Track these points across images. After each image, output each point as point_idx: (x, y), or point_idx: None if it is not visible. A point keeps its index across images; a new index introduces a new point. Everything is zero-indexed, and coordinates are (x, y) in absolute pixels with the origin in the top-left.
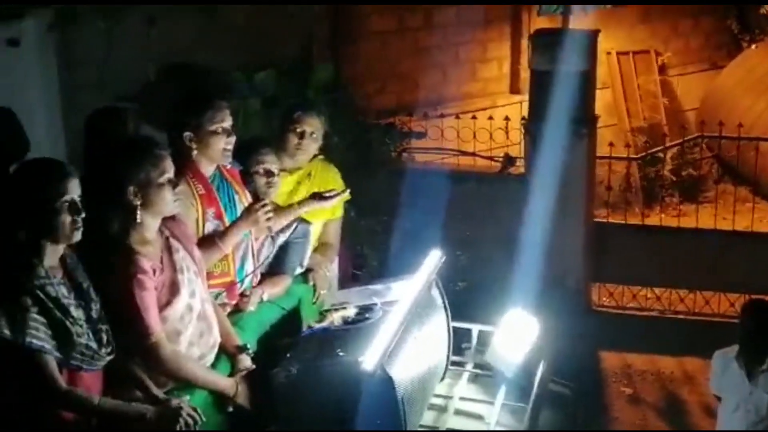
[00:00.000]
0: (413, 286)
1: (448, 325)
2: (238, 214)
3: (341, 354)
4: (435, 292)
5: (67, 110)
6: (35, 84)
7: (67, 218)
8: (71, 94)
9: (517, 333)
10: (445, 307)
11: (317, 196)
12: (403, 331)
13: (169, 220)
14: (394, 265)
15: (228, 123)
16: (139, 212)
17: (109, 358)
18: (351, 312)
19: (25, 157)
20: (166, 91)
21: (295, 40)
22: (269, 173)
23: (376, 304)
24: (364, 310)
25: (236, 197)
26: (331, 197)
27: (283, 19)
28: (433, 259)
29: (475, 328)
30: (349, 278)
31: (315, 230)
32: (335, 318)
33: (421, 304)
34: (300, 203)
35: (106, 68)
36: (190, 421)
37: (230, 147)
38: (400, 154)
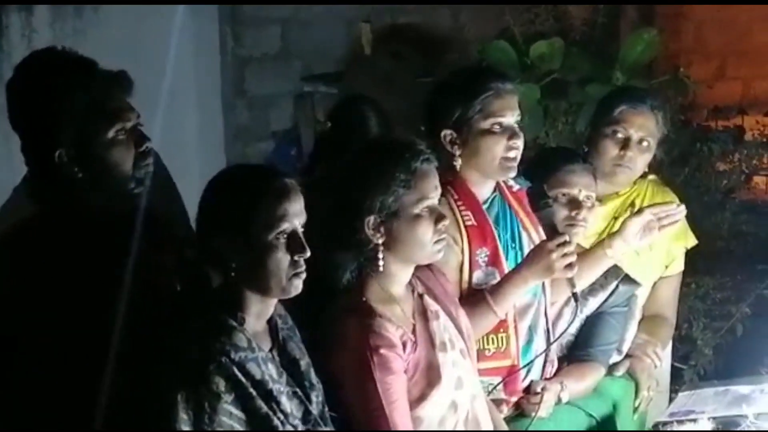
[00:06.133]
0: None
1: None
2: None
3: None
4: None
5: (229, 94)
6: (184, 58)
7: (284, 258)
8: (237, 70)
9: None
10: None
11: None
12: None
13: (422, 270)
14: (741, 354)
15: (512, 117)
16: (381, 255)
17: None
18: (704, 426)
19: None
20: (385, 67)
21: None
22: (575, 203)
23: (744, 417)
24: (726, 425)
25: (523, 233)
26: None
27: None
28: None
29: None
30: None
31: (642, 294)
32: None
33: None
34: (610, 239)
35: (290, 30)
36: None
37: (515, 154)
38: (751, 177)
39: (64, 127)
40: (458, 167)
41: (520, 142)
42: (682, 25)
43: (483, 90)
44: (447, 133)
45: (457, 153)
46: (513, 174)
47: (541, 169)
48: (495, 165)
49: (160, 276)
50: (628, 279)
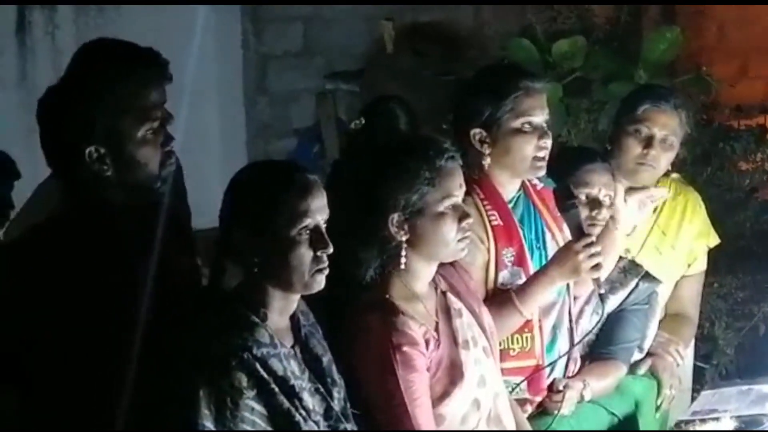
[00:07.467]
0: None
1: None
2: (550, 257)
3: None
4: None
5: (251, 91)
6: (206, 55)
7: (307, 254)
8: (259, 68)
9: None
10: None
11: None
12: None
13: (446, 267)
14: (763, 354)
15: (542, 116)
16: (404, 253)
17: None
18: (727, 425)
19: None
20: (407, 65)
21: None
22: (596, 203)
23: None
24: (749, 424)
25: (546, 233)
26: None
27: None
28: None
29: None
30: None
31: (664, 292)
32: None
33: None
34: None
35: (313, 28)
36: None
37: (545, 153)
38: None
39: (99, 124)
40: (486, 166)
41: (549, 142)
42: (705, 23)
43: (514, 89)
44: (476, 132)
45: (487, 152)
46: (542, 173)
47: (561, 169)
48: (526, 164)
49: (178, 272)
50: (648, 276)
